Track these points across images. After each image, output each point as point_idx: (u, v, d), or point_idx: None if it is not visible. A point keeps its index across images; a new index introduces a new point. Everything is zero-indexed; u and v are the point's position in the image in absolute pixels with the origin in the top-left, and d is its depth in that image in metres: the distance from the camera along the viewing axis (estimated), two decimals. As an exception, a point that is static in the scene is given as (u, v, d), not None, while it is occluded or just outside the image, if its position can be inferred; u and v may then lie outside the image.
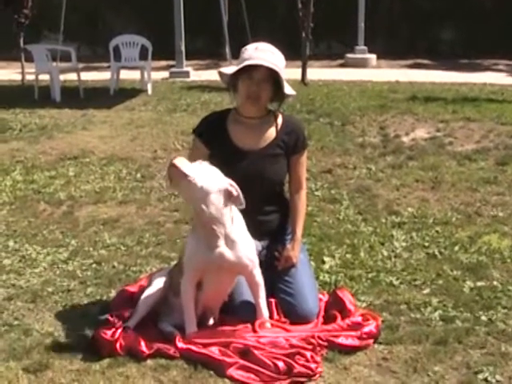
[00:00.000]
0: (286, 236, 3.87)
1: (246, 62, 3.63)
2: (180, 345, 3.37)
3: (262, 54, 3.66)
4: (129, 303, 3.77)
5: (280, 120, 3.85)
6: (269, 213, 3.85)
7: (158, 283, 3.68)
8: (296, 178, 3.87)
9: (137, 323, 3.55)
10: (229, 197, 3.34)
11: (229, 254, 3.41)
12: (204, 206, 3.30)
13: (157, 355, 3.36)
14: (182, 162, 3.34)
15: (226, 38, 12.02)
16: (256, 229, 3.62)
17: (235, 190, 3.34)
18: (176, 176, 3.34)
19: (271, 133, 3.82)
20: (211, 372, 3.26)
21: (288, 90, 3.76)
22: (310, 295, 3.71)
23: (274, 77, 3.68)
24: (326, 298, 3.88)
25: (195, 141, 3.87)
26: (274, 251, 3.82)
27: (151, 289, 3.66)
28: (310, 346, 3.36)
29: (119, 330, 3.45)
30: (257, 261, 3.55)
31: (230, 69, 3.77)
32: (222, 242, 3.40)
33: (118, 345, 3.38)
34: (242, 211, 3.49)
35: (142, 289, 3.78)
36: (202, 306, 3.57)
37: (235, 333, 3.43)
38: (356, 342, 3.46)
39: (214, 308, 3.62)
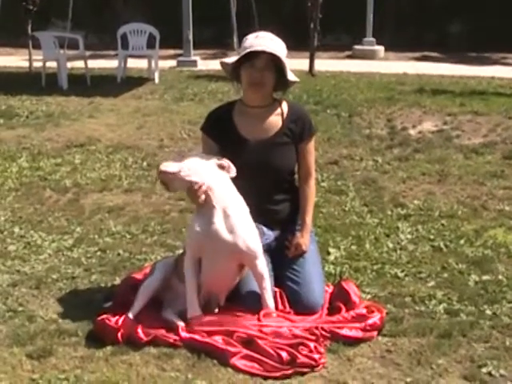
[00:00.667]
0: (296, 225, 3.86)
1: (247, 50, 3.63)
2: (183, 334, 3.38)
3: (263, 40, 3.65)
4: (134, 291, 3.75)
5: (285, 108, 3.84)
6: (279, 202, 3.84)
7: (160, 272, 3.67)
8: (305, 166, 3.87)
9: (139, 311, 3.55)
10: (222, 169, 3.49)
11: (225, 234, 3.42)
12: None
13: (160, 344, 3.36)
14: (165, 166, 3.45)
15: (234, 27, 11.99)
16: (267, 218, 3.64)
17: (224, 161, 3.49)
18: (168, 180, 3.45)
19: (277, 121, 3.81)
20: (214, 361, 3.26)
21: (291, 76, 3.75)
22: (317, 285, 3.71)
23: (276, 63, 3.67)
24: (330, 289, 3.87)
25: (204, 137, 3.87)
26: (284, 240, 3.81)
27: (152, 278, 3.66)
28: (314, 337, 3.36)
29: (122, 318, 3.45)
30: (260, 251, 3.53)
31: (231, 59, 3.77)
32: (219, 220, 3.42)
33: (119, 334, 3.38)
34: (253, 201, 3.51)
35: (145, 277, 3.78)
36: (205, 291, 3.56)
37: (239, 321, 3.42)
38: (359, 334, 3.45)
39: (219, 294, 3.61)
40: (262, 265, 3.54)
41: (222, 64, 3.83)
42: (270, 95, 3.82)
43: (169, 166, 3.43)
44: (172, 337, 3.38)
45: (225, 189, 3.48)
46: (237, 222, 3.45)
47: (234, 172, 3.50)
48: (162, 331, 3.41)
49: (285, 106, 3.85)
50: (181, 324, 3.44)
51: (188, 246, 3.53)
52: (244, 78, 3.73)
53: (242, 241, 3.45)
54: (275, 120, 3.81)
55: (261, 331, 3.35)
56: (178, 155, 3.56)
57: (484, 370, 3.25)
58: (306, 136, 3.84)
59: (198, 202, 3.43)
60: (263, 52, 3.61)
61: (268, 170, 3.73)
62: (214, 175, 3.47)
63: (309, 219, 3.85)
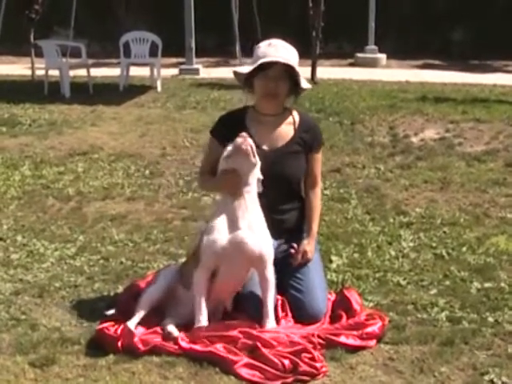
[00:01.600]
0: (302, 234, 3.86)
1: (261, 60, 3.62)
2: (183, 344, 3.37)
3: (276, 49, 3.66)
4: (136, 299, 3.75)
5: (297, 117, 3.85)
6: (286, 211, 3.86)
7: (162, 281, 3.66)
8: (312, 175, 3.89)
9: (140, 321, 3.54)
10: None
11: (251, 240, 3.44)
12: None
13: (161, 353, 3.36)
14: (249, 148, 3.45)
15: (237, 35, 12.02)
16: (273, 227, 3.63)
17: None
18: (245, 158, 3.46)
19: (289, 130, 3.82)
20: (217, 369, 3.26)
21: (304, 84, 3.78)
22: (320, 294, 3.71)
23: (289, 72, 3.68)
24: (333, 297, 3.87)
25: (212, 142, 3.85)
26: (287, 249, 3.81)
27: (153, 287, 3.65)
28: (311, 345, 3.36)
29: (121, 327, 3.45)
30: (272, 256, 3.56)
31: (244, 68, 3.76)
32: (244, 225, 3.44)
33: (119, 343, 3.38)
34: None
35: (147, 286, 3.78)
36: (214, 299, 3.57)
37: (242, 329, 3.42)
38: (357, 342, 3.45)
39: (226, 300, 3.63)
40: (271, 270, 3.56)
41: (235, 73, 3.82)
42: (283, 104, 3.84)
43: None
44: (172, 346, 3.38)
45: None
46: (257, 227, 3.49)
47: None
48: (161, 341, 3.41)
49: (296, 115, 3.86)
50: (180, 335, 3.43)
51: (207, 257, 3.46)
52: (258, 88, 3.74)
53: (264, 246, 3.50)
54: (288, 129, 3.82)
55: (264, 339, 3.35)
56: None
57: (486, 377, 3.25)
58: (316, 146, 3.87)
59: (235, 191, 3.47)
60: (277, 62, 3.62)
61: (280, 178, 3.74)
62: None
63: (315, 227, 3.86)
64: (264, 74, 3.66)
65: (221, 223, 3.46)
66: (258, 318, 3.52)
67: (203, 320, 3.47)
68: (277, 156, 3.76)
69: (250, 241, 3.45)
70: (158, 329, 3.51)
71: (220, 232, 3.44)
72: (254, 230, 3.47)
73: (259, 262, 3.52)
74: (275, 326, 3.52)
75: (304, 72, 12.08)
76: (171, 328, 3.49)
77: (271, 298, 3.56)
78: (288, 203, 3.86)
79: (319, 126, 4.03)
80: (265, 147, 3.76)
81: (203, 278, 3.47)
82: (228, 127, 3.74)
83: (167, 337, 3.44)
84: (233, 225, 3.45)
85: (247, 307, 3.61)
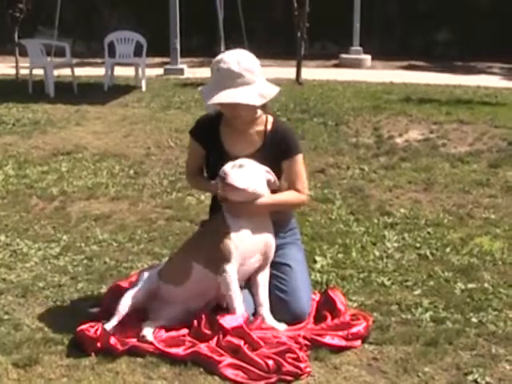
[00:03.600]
0: (280, 233, 3.84)
1: (215, 100, 3.56)
2: (160, 346, 3.37)
3: (222, 79, 3.55)
4: (119, 299, 3.75)
5: (270, 126, 3.75)
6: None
7: (143, 282, 3.64)
8: (289, 181, 3.75)
9: (122, 320, 3.52)
10: (269, 184, 3.63)
11: (271, 240, 3.61)
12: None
13: (141, 353, 3.36)
14: (234, 180, 3.47)
15: (221, 35, 12.01)
16: None
17: (271, 177, 3.62)
18: (233, 192, 3.50)
19: (259, 139, 3.74)
20: (201, 369, 3.25)
21: (270, 90, 3.66)
22: (304, 295, 3.71)
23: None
24: (317, 297, 3.87)
25: (192, 142, 3.88)
26: None
27: (134, 289, 3.62)
28: (297, 345, 3.36)
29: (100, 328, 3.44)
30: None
31: (207, 92, 3.64)
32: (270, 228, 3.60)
33: (98, 344, 3.37)
34: None
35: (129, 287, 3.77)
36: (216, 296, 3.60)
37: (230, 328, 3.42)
38: (342, 343, 3.46)
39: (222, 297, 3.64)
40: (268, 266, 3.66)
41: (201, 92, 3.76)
42: (254, 114, 3.72)
43: (237, 182, 3.47)
44: (150, 346, 3.37)
45: None
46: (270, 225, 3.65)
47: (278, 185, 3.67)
48: (138, 342, 3.40)
49: (270, 123, 3.75)
50: (159, 335, 3.42)
51: (235, 258, 3.47)
52: (221, 109, 3.73)
53: (272, 243, 3.64)
54: (258, 137, 3.74)
55: (252, 338, 3.35)
56: (236, 165, 3.52)
57: (470, 377, 3.26)
58: (288, 156, 3.72)
59: (250, 210, 3.54)
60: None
61: None
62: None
63: (275, 197, 3.68)
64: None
65: (243, 228, 3.52)
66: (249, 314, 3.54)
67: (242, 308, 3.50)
68: None
69: (267, 239, 3.59)
70: (137, 328, 3.49)
71: (245, 236, 3.52)
72: (265, 229, 3.60)
73: (267, 259, 3.63)
74: (270, 315, 3.56)
75: (289, 72, 12.11)
76: (146, 331, 3.46)
77: (267, 291, 3.60)
78: None
79: (295, 137, 3.86)
80: (232, 154, 3.69)
81: (235, 274, 3.48)
82: (204, 130, 3.80)
83: (141, 340, 3.42)
84: (257, 229, 3.56)
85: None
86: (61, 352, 3.40)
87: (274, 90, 3.67)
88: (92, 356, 3.35)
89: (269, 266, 3.66)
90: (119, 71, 11.74)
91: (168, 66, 13.00)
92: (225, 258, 3.46)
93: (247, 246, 3.51)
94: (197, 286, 3.54)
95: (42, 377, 3.22)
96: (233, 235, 3.49)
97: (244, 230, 3.52)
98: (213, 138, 3.77)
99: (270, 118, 3.79)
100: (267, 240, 3.61)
